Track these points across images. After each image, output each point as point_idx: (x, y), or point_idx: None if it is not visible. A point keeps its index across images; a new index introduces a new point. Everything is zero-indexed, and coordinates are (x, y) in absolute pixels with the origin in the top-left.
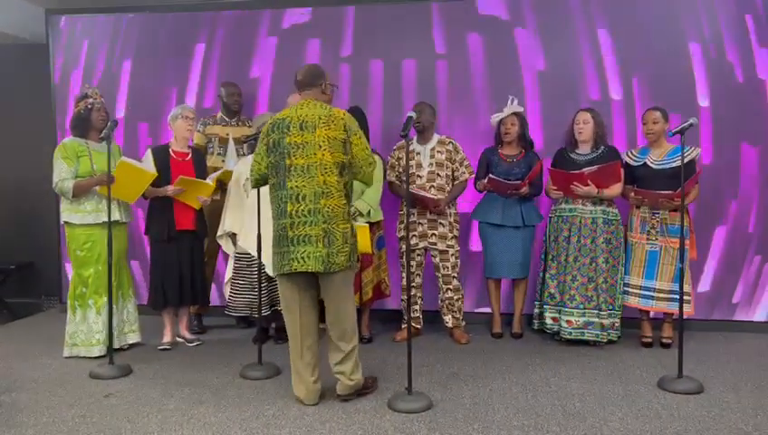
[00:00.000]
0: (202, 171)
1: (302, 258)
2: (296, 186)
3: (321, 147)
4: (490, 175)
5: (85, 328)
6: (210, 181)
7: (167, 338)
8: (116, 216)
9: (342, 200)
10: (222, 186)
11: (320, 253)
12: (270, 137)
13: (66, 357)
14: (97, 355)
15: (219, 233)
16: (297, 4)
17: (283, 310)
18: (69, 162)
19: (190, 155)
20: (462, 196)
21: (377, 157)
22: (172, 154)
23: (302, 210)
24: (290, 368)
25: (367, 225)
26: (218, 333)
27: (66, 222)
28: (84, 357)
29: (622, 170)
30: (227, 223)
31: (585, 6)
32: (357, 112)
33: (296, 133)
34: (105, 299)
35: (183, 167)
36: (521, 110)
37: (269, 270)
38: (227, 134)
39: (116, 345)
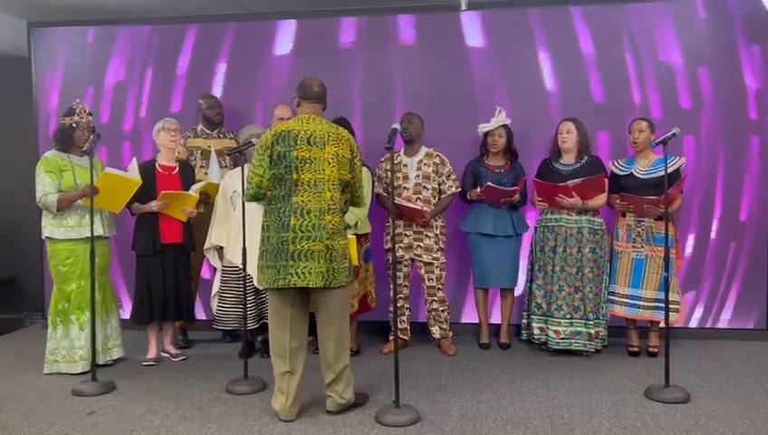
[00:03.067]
0: (190, 184)
1: (303, 273)
2: (302, 200)
3: (330, 163)
4: (488, 183)
5: (67, 344)
6: (193, 192)
7: (151, 353)
8: (99, 230)
9: (341, 217)
10: (208, 199)
11: (321, 268)
12: (274, 149)
13: (47, 374)
14: (80, 372)
15: (206, 246)
16: (282, 17)
17: (270, 325)
18: (52, 176)
19: (177, 168)
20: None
21: (365, 169)
22: (158, 168)
23: (306, 225)
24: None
25: (354, 237)
26: (204, 347)
27: (48, 237)
28: (66, 374)
29: (606, 181)
30: (214, 236)
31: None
32: (343, 123)
33: (304, 148)
34: (88, 314)
35: (170, 181)
36: (508, 121)
37: (256, 282)
38: (209, 146)
39: (100, 361)
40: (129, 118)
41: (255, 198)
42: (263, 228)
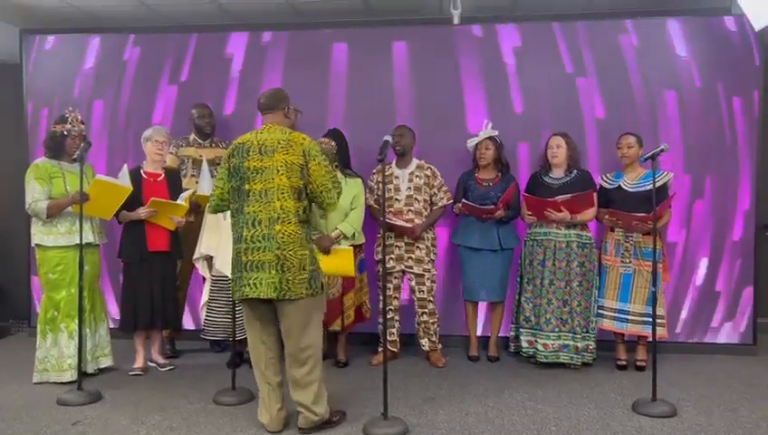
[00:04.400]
0: (176, 192)
1: (254, 284)
2: (253, 211)
3: (278, 171)
4: (464, 200)
5: (56, 353)
6: (182, 201)
7: (138, 363)
8: (89, 237)
9: (299, 226)
10: (198, 208)
11: (272, 279)
12: (230, 162)
13: (36, 383)
14: (69, 380)
15: (196, 256)
16: (273, 28)
17: (247, 333)
18: (42, 183)
19: (163, 176)
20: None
21: (358, 179)
22: (144, 175)
23: (257, 235)
24: None
25: (351, 248)
26: (192, 357)
27: (38, 244)
28: (55, 383)
29: (595, 195)
30: (204, 246)
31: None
32: (336, 134)
33: (256, 158)
34: (77, 323)
35: (156, 188)
36: (495, 133)
37: None
38: (201, 156)
39: (88, 370)
40: (118, 125)
41: (217, 210)
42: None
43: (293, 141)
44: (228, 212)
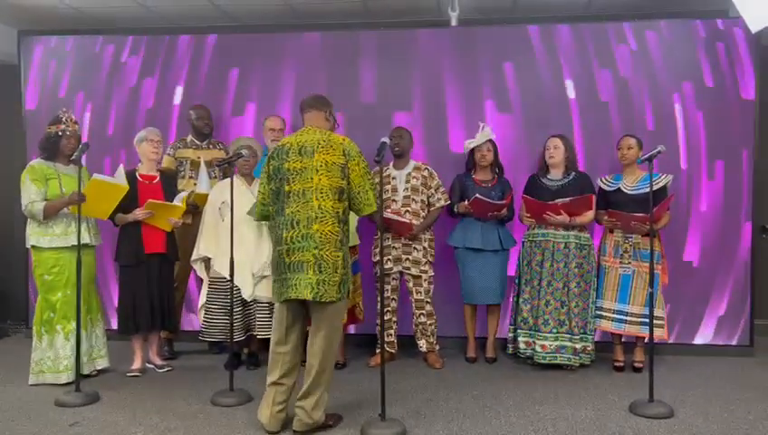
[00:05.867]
0: (171, 194)
1: (295, 285)
2: (293, 211)
3: (318, 171)
4: (477, 196)
5: (52, 354)
6: (179, 202)
7: (136, 364)
8: (85, 238)
9: (336, 227)
10: (196, 209)
11: (310, 280)
12: (270, 164)
13: (32, 384)
14: (65, 382)
15: (194, 257)
16: (273, 30)
17: (273, 332)
18: (38, 184)
19: (158, 178)
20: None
21: None
22: (139, 178)
23: (297, 236)
24: (261, 395)
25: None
26: (190, 358)
27: (33, 246)
28: (51, 384)
29: (594, 198)
30: (202, 247)
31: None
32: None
33: (295, 159)
34: (74, 324)
35: (151, 190)
36: (494, 136)
37: (244, 294)
38: (199, 157)
39: (85, 372)
40: (115, 126)
41: (263, 214)
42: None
43: (333, 141)
44: (227, 214)
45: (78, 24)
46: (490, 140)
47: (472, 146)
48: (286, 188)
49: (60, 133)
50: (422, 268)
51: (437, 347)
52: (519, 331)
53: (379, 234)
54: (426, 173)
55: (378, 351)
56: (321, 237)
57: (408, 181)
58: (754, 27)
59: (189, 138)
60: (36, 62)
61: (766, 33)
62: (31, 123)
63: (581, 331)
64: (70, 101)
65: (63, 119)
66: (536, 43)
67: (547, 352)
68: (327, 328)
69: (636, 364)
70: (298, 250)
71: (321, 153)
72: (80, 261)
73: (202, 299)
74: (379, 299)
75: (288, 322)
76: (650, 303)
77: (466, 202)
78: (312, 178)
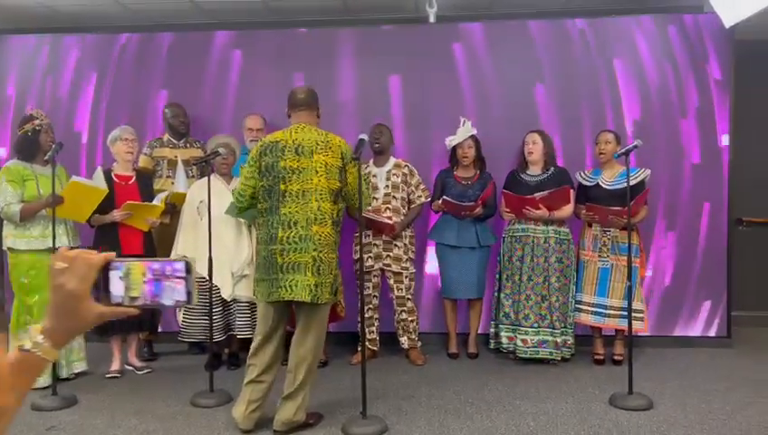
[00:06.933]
0: (148, 194)
1: (290, 286)
2: (289, 211)
3: (317, 172)
4: (444, 197)
5: None
6: (158, 202)
7: (114, 366)
8: (63, 240)
9: (333, 229)
10: (174, 209)
11: (308, 282)
12: (262, 160)
13: None
14: (43, 386)
15: (172, 257)
16: (254, 26)
17: (256, 333)
18: (14, 186)
19: (134, 178)
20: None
21: None
22: (115, 178)
23: (294, 237)
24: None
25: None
26: (169, 359)
27: (10, 248)
28: None
29: (572, 192)
30: (180, 246)
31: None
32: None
33: (292, 158)
34: None
35: (127, 190)
36: (474, 131)
37: (224, 293)
38: (176, 156)
39: (62, 375)
40: (88, 126)
41: (247, 209)
42: (257, 241)
43: (332, 143)
44: (205, 213)
45: (56, 22)
46: (472, 136)
47: (453, 144)
48: (282, 187)
49: (38, 129)
50: (403, 265)
51: (419, 344)
52: (501, 326)
53: (359, 231)
54: (406, 170)
55: (359, 348)
56: (320, 239)
57: (388, 179)
58: (728, 22)
59: (166, 137)
60: (12, 61)
61: (740, 27)
62: (12, 124)
63: (562, 325)
64: (51, 100)
65: (35, 114)
66: (514, 38)
67: (528, 347)
68: (317, 328)
69: (616, 357)
70: (294, 251)
71: (321, 154)
72: None
73: None
74: (359, 296)
75: (273, 322)
76: (628, 296)
77: (440, 201)
78: (311, 180)
